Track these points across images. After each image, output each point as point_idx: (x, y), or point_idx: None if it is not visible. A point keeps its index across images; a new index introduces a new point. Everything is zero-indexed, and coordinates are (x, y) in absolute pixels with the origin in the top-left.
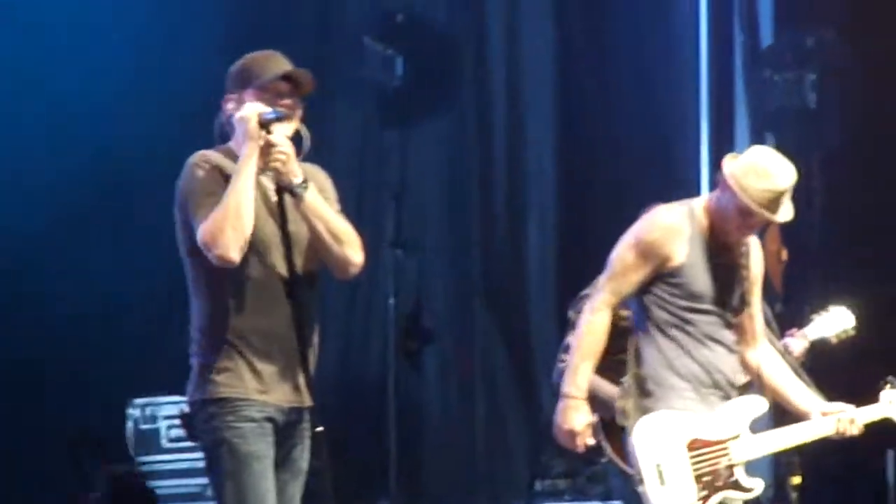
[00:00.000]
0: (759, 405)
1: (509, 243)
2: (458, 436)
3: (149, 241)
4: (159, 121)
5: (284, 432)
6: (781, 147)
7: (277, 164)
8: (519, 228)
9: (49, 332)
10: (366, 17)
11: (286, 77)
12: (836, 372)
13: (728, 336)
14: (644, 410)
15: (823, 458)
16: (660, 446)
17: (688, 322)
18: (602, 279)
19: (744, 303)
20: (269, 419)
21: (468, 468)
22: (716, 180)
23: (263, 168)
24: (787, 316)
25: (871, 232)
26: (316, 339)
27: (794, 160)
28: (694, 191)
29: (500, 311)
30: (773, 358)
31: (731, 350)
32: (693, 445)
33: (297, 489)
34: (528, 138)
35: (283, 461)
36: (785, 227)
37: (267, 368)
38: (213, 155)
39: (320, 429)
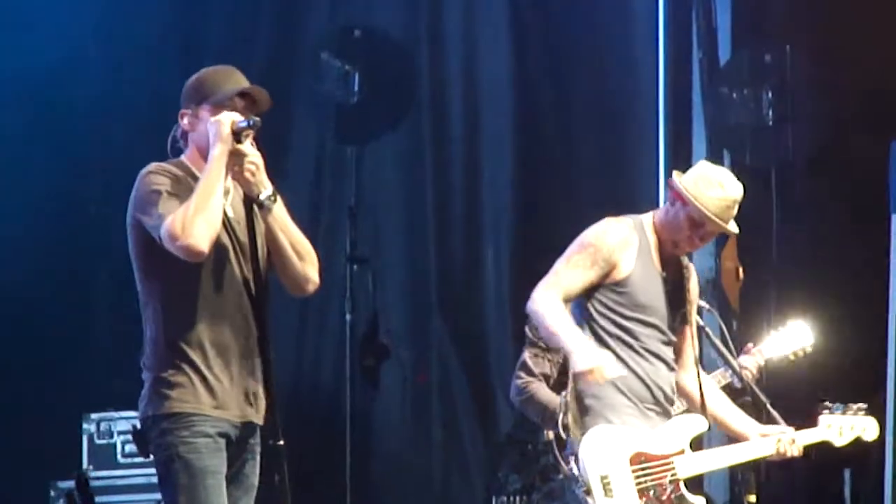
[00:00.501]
0: (699, 423)
1: (465, 258)
2: (415, 451)
3: (102, 251)
4: (118, 135)
5: (237, 447)
6: (738, 163)
7: (247, 175)
8: (475, 243)
9: (3, 345)
10: (323, 33)
11: (243, 94)
12: (791, 389)
13: (668, 353)
14: (584, 426)
15: (780, 475)
16: (605, 459)
17: (630, 333)
18: (545, 278)
19: (684, 322)
20: (223, 434)
21: (425, 484)
22: (667, 193)
23: (233, 177)
24: (744, 334)
25: (829, 249)
26: (270, 353)
27: (750, 176)
28: (651, 206)
29: (456, 327)
30: (707, 382)
31: (670, 367)
32: (636, 459)
33: None
34: (484, 154)
35: (234, 476)
36: (742, 245)
37: (220, 383)
38: (167, 166)
39: (281, 443)
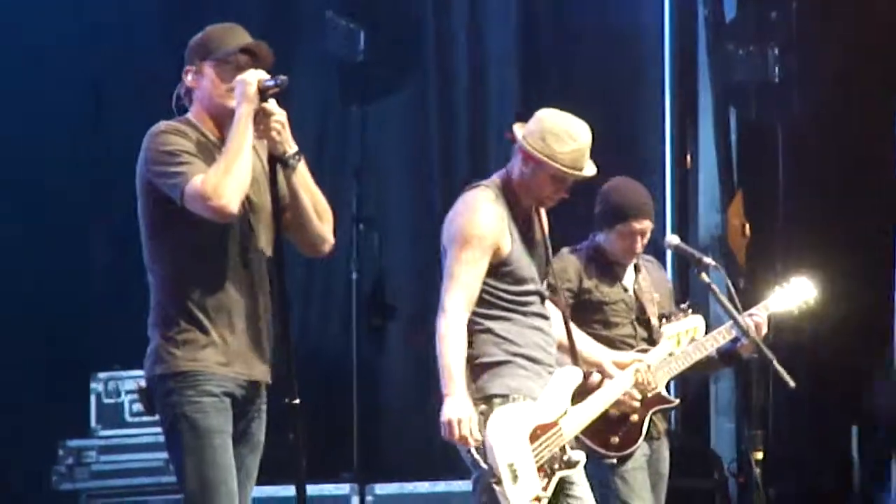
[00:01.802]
0: (575, 375)
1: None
2: (420, 410)
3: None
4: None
5: (243, 406)
6: (745, 120)
7: (273, 133)
8: None
9: (9, 309)
10: None
11: (246, 50)
12: (798, 345)
13: (546, 312)
14: (479, 391)
15: (787, 433)
16: (509, 444)
17: (518, 307)
18: (447, 286)
19: (548, 267)
20: (228, 393)
21: (429, 442)
22: (515, 152)
23: (258, 136)
24: (750, 291)
25: (835, 204)
26: (287, 312)
27: (757, 133)
28: (657, 165)
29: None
30: (556, 316)
31: (550, 325)
32: (534, 435)
33: (255, 463)
34: (489, 111)
35: (241, 435)
36: (749, 201)
37: (226, 342)
38: (177, 124)
39: (297, 401)
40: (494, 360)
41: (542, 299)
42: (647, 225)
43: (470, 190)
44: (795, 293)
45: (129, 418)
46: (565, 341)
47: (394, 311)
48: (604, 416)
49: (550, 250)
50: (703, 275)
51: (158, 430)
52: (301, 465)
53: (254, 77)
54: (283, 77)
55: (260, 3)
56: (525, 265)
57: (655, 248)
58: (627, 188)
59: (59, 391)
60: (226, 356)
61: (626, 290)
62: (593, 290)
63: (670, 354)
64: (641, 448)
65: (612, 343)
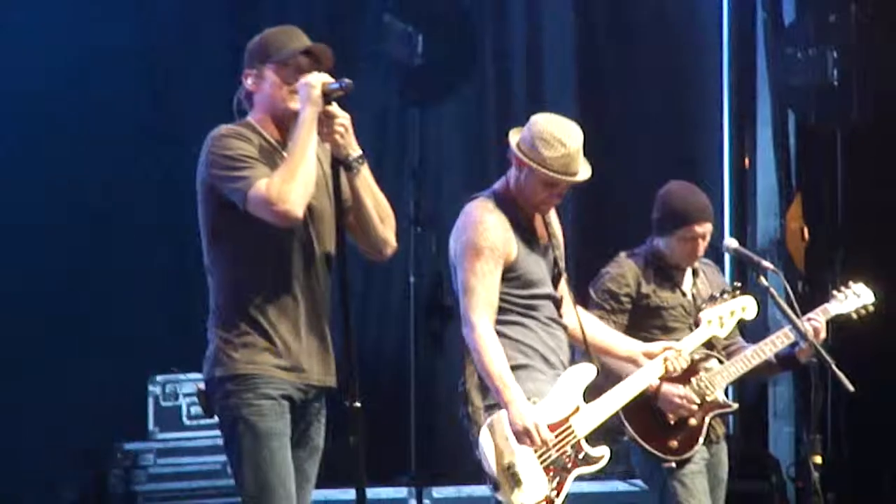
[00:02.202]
0: (588, 372)
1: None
2: None
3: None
4: (196, 91)
5: (302, 409)
6: (803, 123)
7: (337, 136)
8: None
9: (68, 310)
10: None
11: (306, 52)
12: (858, 349)
13: (557, 315)
14: (489, 408)
15: (846, 437)
16: (507, 446)
17: (530, 311)
18: (468, 301)
19: (559, 272)
20: (287, 396)
21: None
22: (510, 157)
23: (321, 139)
24: (809, 294)
25: (895, 208)
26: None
27: (816, 137)
28: (716, 169)
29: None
30: (584, 314)
31: (564, 329)
32: None
33: (313, 467)
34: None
35: (300, 439)
36: (808, 205)
37: (285, 345)
38: (239, 128)
39: (358, 405)
40: (512, 365)
41: (555, 302)
42: (708, 228)
43: (470, 202)
44: (854, 297)
45: (186, 421)
46: (597, 340)
47: (452, 314)
48: (663, 420)
49: (561, 253)
50: (762, 278)
51: (216, 433)
52: (361, 469)
53: (318, 80)
54: (347, 80)
55: (319, 8)
56: (532, 269)
57: (713, 252)
58: (686, 192)
59: (117, 394)
60: (285, 359)
61: (684, 294)
62: (651, 294)
63: (714, 338)
64: (700, 452)
65: None
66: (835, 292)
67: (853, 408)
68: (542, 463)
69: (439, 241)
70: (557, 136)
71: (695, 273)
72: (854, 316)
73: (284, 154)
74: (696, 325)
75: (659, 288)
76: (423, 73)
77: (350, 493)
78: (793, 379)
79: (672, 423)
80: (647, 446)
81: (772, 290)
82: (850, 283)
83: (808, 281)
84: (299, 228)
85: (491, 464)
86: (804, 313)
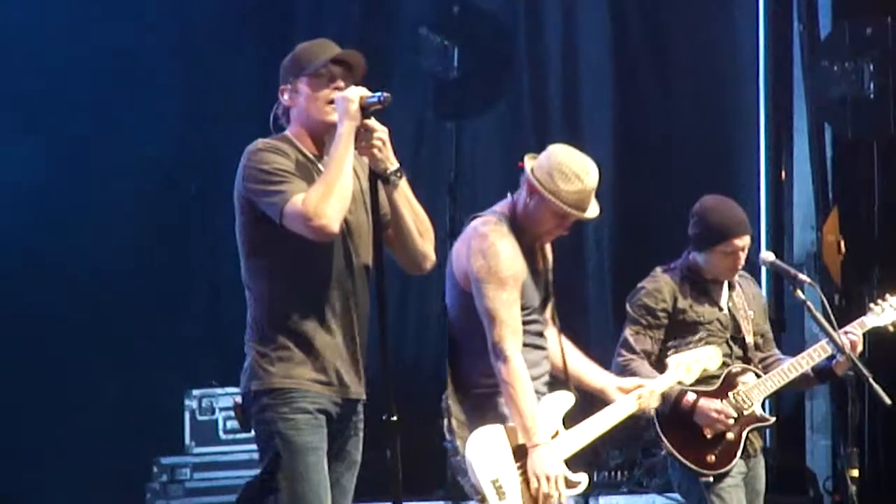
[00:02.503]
0: (567, 399)
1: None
2: None
3: (203, 229)
4: (220, 114)
5: (339, 423)
6: (840, 136)
7: (375, 150)
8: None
9: (107, 325)
10: (422, 8)
11: (338, 61)
12: (895, 362)
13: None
14: (502, 418)
15: (883, 450)
16: (492, 461)
17: (529, 332)
18: (498, 331)
19: (549, 296)
20: (323, 410)
21: None
22: (522, 182)
23: (360, 152)
24: (846, 307)
25: None
26: (386, 329)
27: (853, 149)
28: (752, 182)
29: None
30: (565, 341)
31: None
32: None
33: (351, 481)
34: (584, 129)
35: (337, 453)
36: (844, 218)
37: (322, 359)
38: (276, 143)
39: (395, 418)
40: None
41: (545, 325)
42: (747, 241)
43: (480, 222)
44: (891, 310)
45: (223, 436)
46: (571, 368)
47: None
48: (700, 434)
49: (551, 279)
50: (798, 291)
51: (252, 447)
52: (398, 483)
53: (356, 94)
54: (385, 94)
55: (354, 21)
56: (531, 293)
57: (749, 265)
58: (723, 206)
59: (153, 408)
60: (321, 373)
61: (720, 308)
62: (688, 309)
63: (679, 383)
64: (738, 466)
65: None
66: (871, 305)
67: (890, 421)
68: (523, 478)
69: None
70: (576, 171)
71: (731, 286)
72: (891, 329)
73: (321, 168)
74: (734, 340)
75: (696, 303)
76: (459, 87)
77: None
78: (829, 392)
79: (709, 437)
80: (684, 461)
81: (808, 303)
82: (887, 296)
83: (845, 294)
84: (336, 242)
85: (478, 476)
86: (841, 326)
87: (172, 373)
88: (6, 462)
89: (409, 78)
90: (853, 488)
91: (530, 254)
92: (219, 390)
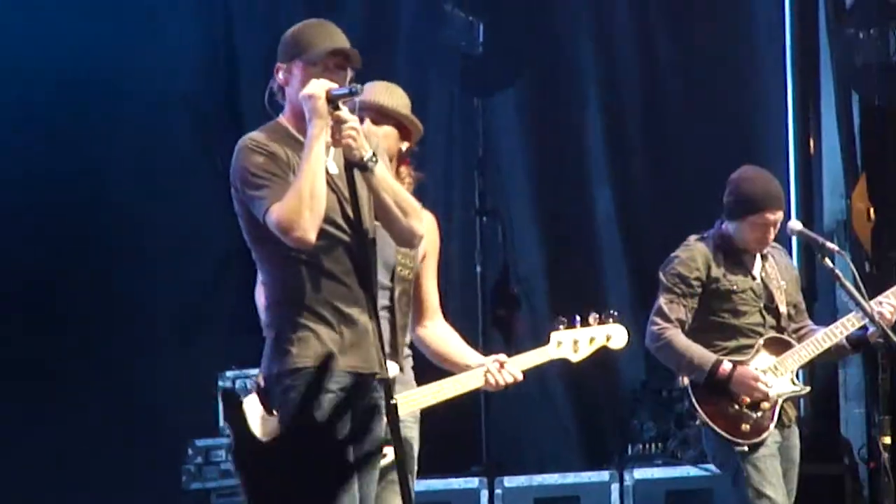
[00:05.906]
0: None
1: (589, 206)
2: (549, 402)
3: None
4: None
5: (361, 402)
6: (867, 103)
7: (348, 141)
8: (598, 194)
9: (140, 310)
10: None
11: (334, 53)
12: None
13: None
14: None
15: None
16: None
17: None
18: None
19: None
20: (345, 388)
21: (559, 434)
22: None
23: (333, 145)
24: (876, 276)
25: None
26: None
27: (880, 116)
28: (780, 151)
29: (579, 277)
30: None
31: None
32: None
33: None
34: (612, 102)
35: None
36: (872, 185)
37: (341, 338)
38: (263, 137)
39: (393, 401)
40: None
41: None
42: (779, 216)
43: None
44: None
45: None
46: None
47: (519, 302)
48: (736, 404)
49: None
50: (827, 260)
51: None
52: (403, 463)
53: (321, 89)
54: (357, 86)
55: None
56: None
57: (780, 235)
58: (760, 178)
59: (187, 390)
60: (341, 352)
61: (754, 278)
62: (721, 278)
63: (565, 360)
64: (773, 435)
65: (740, 331)
66: None
67: None
68: None
69: (504, 230)
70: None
71: (763, 257)
72: None
73: None
74: (766, 309)
75: (729, 272)
76: (485, 62)
77: (420, 484)
78: (863, 360)
79: (745, 406)
80: (719, 430)
81: (837, 272)
82: None
83: (875, 262)
84: (337, 221)
85: None
86: (871, 294)
87: (206, 354)
88: (43, 445)
89: (435, 53)
90: (885, 456)
91: None
92: (252, 371)
